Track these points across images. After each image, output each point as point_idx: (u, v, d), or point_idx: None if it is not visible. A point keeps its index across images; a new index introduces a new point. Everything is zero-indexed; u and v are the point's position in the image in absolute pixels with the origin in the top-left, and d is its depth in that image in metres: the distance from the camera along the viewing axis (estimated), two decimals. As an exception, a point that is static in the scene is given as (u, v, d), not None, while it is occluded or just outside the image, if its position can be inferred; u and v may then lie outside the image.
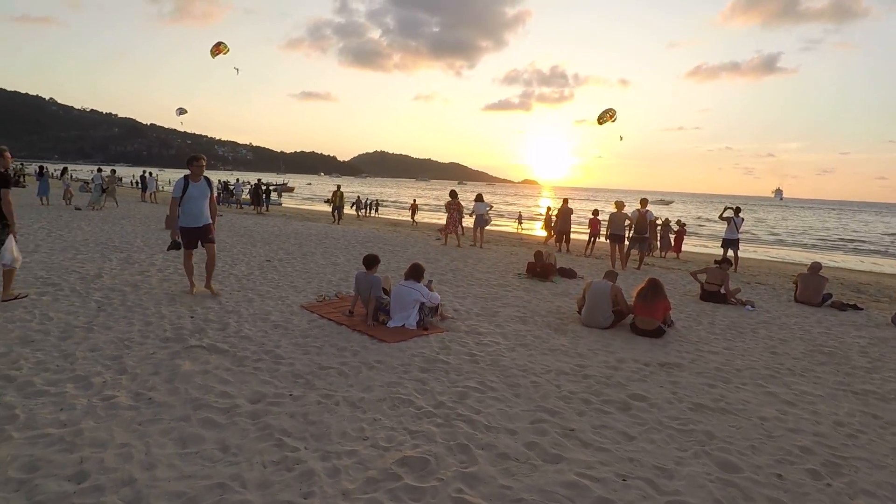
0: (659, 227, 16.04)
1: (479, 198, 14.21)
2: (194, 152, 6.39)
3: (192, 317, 5.43)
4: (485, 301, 7.32)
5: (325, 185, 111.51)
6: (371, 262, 5.81)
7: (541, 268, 9.36)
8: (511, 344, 5.35)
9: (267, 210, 24.87)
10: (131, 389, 3.59)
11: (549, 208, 19.02)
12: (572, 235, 15.46)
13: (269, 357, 4.43)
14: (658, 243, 16.08)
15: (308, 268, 8.96)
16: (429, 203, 51.60)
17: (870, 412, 4.18)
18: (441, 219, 16.70)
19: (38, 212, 15.27)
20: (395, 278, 7.05)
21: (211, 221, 6.34)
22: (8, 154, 5.66)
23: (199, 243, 6.31)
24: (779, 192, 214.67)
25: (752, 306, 8.26)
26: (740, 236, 13.09)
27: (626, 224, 11.63)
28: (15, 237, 5.53)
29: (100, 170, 19.78)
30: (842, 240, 38.62)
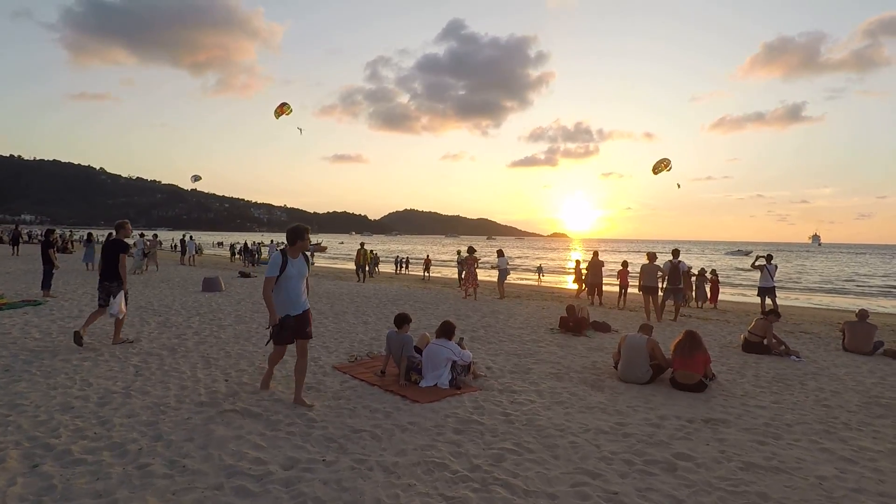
0: (694, 278, 15.72)
1: (500, 253, 15.70)
2: (298, 223, 4.76)
3: (226, 380, 5.50)
4: (518, 358, 7.20)
5: (357, 244, 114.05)
6: (402, 320, 5.85)
7: (574, 322, 9.20)
8: (547, 402, 5.21)
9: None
10: (166, 457, 3.62)
11: (578, 261, 18.89)
12: (604, 288, 15.22)
13: (302, 420, 4.42)
14: (694, 293, 15.72)
15: (340, 327, 9.04)
16: (442, 258, 51.99)
17: (941, 470, 3.86)
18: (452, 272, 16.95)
19: (83, 277, 16.01)
20: (431, 336, 7.04)
21: (309, 307, 4.94)
22: (129, 226, 7.19)
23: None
24: (816, 237, 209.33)
25: (798, 356, 7.86)
26: (776, 284, 12.77)
27: (658, 275, 11.44)
28: (126, 294, 6.90)
29: (142, 234, 20.78)
30: (889, 286, 36.77)
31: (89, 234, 23.10)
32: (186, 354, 6.59)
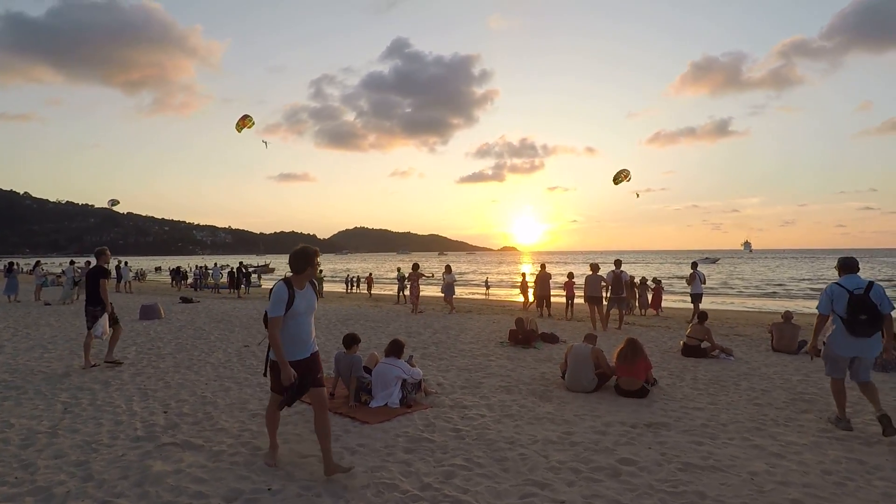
0: (636, 286, 16.45)
1: (447, 269, 16.16)
2: (305, 244, 3.85)
3: (165, 412, 5.23)
4: (469, 372, 7.24)
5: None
6: (351, 341, 5.77)
7: (523, 335, 9.37)
8: (497, 416, 5.27)
9: (247, 293, 24.60)
10: (97, 498, 3.39)
11: (524, 274, 19.29)
12: (552, 300, 15.61)
13: (247, 449, 4.26)
14: (637, 302, 16.42)
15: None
16: (392, 276, 51.94)
17: (855, 458, 4.18)
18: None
19: (4, 309, 14.83)
20: (380, 355, 6.96)
21: (317, 349, 4.01)
22: (107, 252, 7.70)
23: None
24: (747, 244, 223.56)
25: (730, 355, 8.39)
26: (703, 290, 13.80)
27: (602, 285, 11.86)
28: (109, 316, 7.39)
29: (72, 262, 19.51)
30: (812, 288, 39.66)
31: (10, 264, 21.47)
32: (121, 387, 6.22)
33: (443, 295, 15.96)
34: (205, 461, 4.00)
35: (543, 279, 15.23)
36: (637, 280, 16.78)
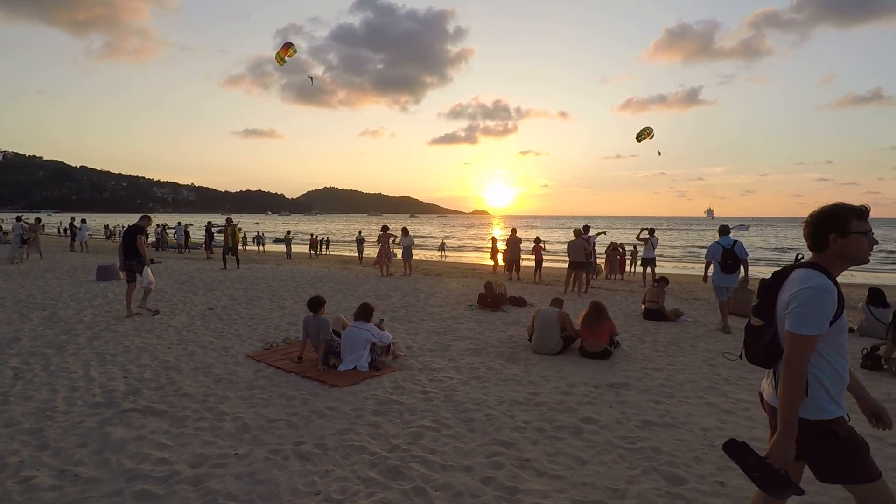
0: (607, 252, 16.98)
1: (405, 231, 15.95)
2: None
3: (125, 377, 5.11)
4: (438, 336, 7.31)
5: (274, 224, 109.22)
6: (317, 303, 5.70)
7: (492, 298, 9.48)
8: (465, 378, 5.36)
9: (213, 253, 24.02)
10: (54, 466, 3.31)
11: (494, 238, 19.40)
12: (521, 263, 15.82)
13: (212, 414, 4.22)
14: (606, 267, 16.92)
15: (254, 314, 8.66)
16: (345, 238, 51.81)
17: (800, 414, 4.45)
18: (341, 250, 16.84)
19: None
20: (347, 318, 6.94)
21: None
22: (150, 218, 9.08)
23: None
24: (710, 211, 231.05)
25: (679, 316, 8.82)
26: (656, 255, 14.25)
27: (585, 250, 12.02)
28: (149, 267, 8.46)
29: (19, 218, 18.31)
30: (769, 258, 41.42)
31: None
32: (77, 352, 6.02)
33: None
34: (168, 427, 3.94)
35: (514, 243, 15.35)
36: (611, 246, 17.29)
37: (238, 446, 3.65)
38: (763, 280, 2.17)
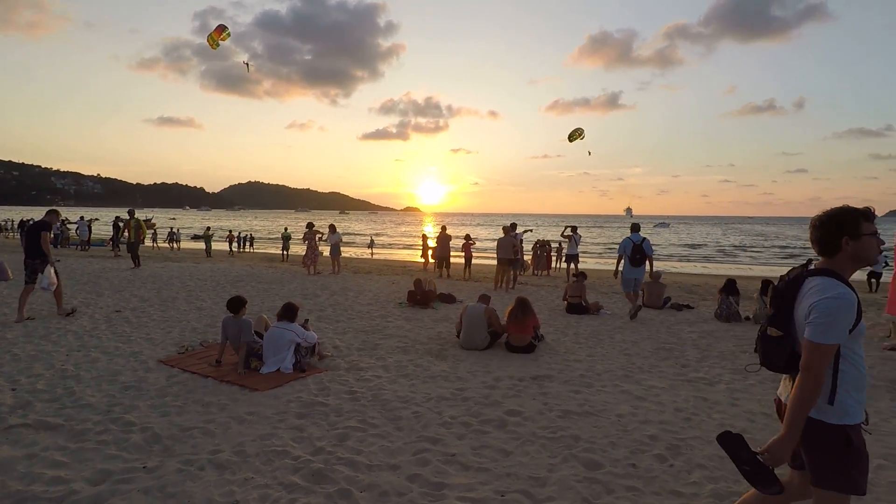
0: (534, 249, 17.56)
1: (332, 228, 15.76)
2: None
3: (13, 389, 4.60)
4: (366, 334, 7.22)
5: (192, 220, 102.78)
6: (236, 304, 5.44)
7: (421, 295, 9.50)
8: (392, 376, 5.33)
9: (119, 251, 22.20)
10: (-74, 491, 2.93)
11: (424, 235, 19.46)
12: (451, 260, 15.98)
13: (117, 426, 3.90)
14: (533, 263, 17.50)
15: (168, 316, 8.11)
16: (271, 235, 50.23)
17: (700, 396, 4.85)
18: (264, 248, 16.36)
19: None
20: (271, 319, 6.67)
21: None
22: (58, 212, 8.28)
23: None
24: (629, 210, 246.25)
25: (605, 310, 9.28)
26: (579, 251, 15.11)
27: (514, 247, 12.33)
28: (53, 266, 7.70)
29: None
30: (684, 247, 44.69)
31: None
32: (-45, 363, 5.35)
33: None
34: (65, 442, 3.60)
35: (444, 240, 15.48)
36: (539, 243, 17.89)
37: (147, 459, 3.40)
38: (777, 288, 2.12)
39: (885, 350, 6.81)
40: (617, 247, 9.86)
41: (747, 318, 8.85)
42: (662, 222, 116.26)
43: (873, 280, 16.53)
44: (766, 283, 8.93)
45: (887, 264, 16.66)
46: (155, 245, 29.42)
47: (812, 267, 2.10)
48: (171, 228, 31.69)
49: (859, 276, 20.42)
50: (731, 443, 2.07)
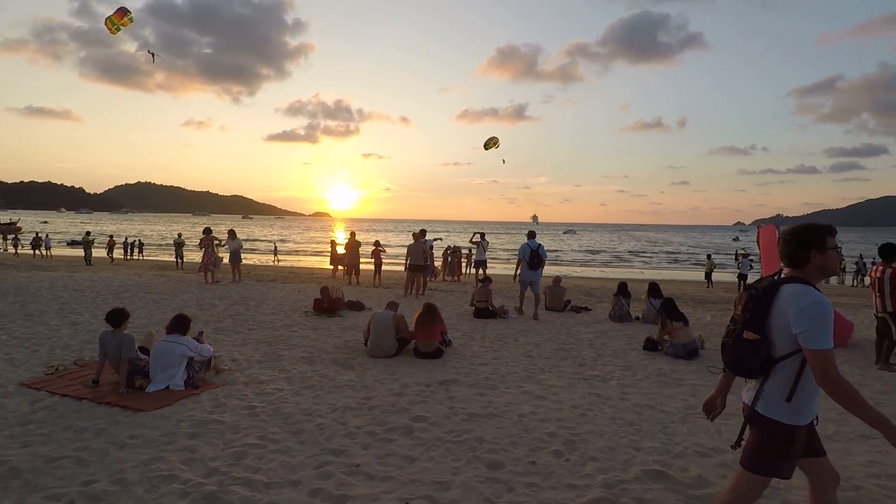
0: (447, 254, 17.89)
1: (231, 234, 14.88)
2: None
3: None
4: (268, 345, 6.89)
5: (69, 224, 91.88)
6: (117, 317, 4.93)
7: (328, 303, 9.26)
8: (296, 388, 5.13)
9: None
10: None
11: (333, 241, 19.01)
12: (361, 267, 15.74)
13: (-35, 461, 3.38)
14: (443, 269, 17.79)
15: (34, 332, 7.18)
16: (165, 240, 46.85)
17: (595, 392, 5.19)
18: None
19: None
20: (161, 334, 6.14)
21: None
22: None
23: None
24: (535, 217, 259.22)
25: (507, 313, 9.64)
26: (487, 257, 15.71)
27: (424, 254, 12.37)
28: None
29: None
30: (585, 252, 47.69)
31: None
32: None
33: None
34: None
35: (353, 247, 15.22)
36: (450, 249, 18.20)
37: (3, 496, 2.98)
38: (752, 294, 2.20)
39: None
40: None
41: (637, 318, 9.62)
42: (570, 229, 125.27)
43: (742, 282, 18.73)
44: (652, 285, 9.77)
45: (752, 267, 18.96)
46: (15, 252, 25.99)
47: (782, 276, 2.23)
48: (37, 233, 27.83)
49: (730, 277, 23.08)
50: None
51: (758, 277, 9.58)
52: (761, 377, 2.16)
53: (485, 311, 9.52)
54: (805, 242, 2.16)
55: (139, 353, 5.06)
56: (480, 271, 14.92)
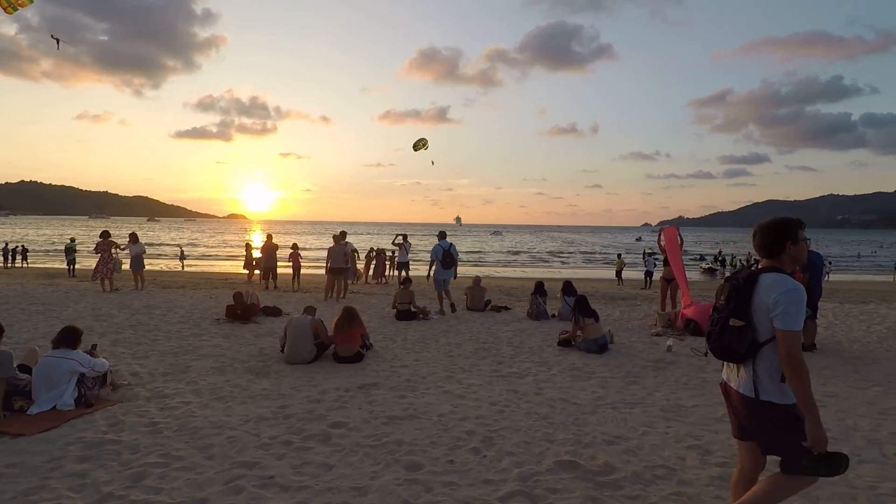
0: (373, 256, 17.69)
1: (133, 238, 13.80)
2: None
3: None
4: (174, 356, 6.44)
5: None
6: (-8, 333, 4.41)
7: (242, 309, 8.82)
8: (205, 400, 4.84)
9: None
10: None
11: (248, 244, 18.15)
12: (278, 271, 15.15)
13: None
14: (366, 272, 17.56)
15: None
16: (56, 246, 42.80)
17: (512, 389, 5.37)
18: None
19: None
20: (46, 348, 5.53)
21: None
22: None
23: None
24: (458, 219, 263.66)
25: (429, 314, 9.72)
26: (410, 259, 15.73)
27: (345, 256, 12.10)
28: None
29: None
30: (507, 253, 49.05)
31: None
32: None
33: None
34: None
35: (269, 250, 14.62)
36: (375, 251, 17.99)
37: None
38: (735, 284, 2.39)
39: (653, 336, 8.34)
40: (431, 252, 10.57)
41: (553, 316, 10.05)
42: (497, 231, 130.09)
43: (648, 278, 20.15)
44: (566, 284, 10.25)
45: (656, 265, 20.49)
46: None
47: (758, 267, 2.46)
48: None
49: (638, 275, 24.79)
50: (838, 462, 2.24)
51: (661, 274, 10.36)
52: (749, 362, 2.35)
53: (406, 313, 9.52)
54: (781, 235, 2.39)
55: (17, 371, 4.53)
56: (403, 273, 14.90)
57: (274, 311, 9.59)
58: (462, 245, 68.52)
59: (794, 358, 2.20)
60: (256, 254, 16.44)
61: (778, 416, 2.32)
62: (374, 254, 17.96)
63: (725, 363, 2.54)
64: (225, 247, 56.48)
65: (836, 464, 2.25)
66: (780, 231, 2.40)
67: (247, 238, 43.99)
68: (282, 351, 6.47)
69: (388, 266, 18.26)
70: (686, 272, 10.13)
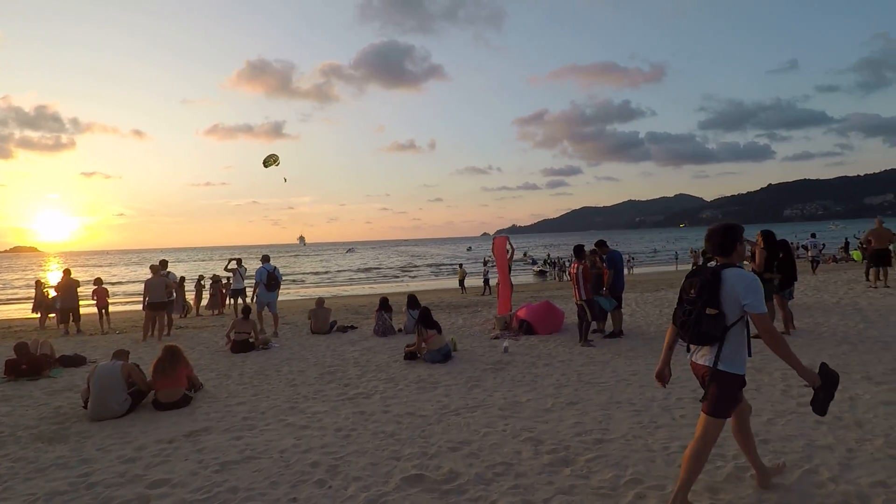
0: (209, 285, 15.98)
1: None
2: None
3: None
4: (-76, 435, 5.01)
5: None
6: None
7: (28, 363, 7.25)
8: (-30, 486, 3.84)
9: None
10: None
11: (39, 282, 15.07)
12: (81, 311, 12.82)
13: None
14: (196, 304, 15.85)
15: None
16: None
17: (359, 411, 5.26)
18: None
19: None
20: None
21: None
22: None
23: None
24: (302, 238, 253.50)
25: (274, 343, 9.17)
26: (246, 285, 14.31)
27: (167, 288, 10.67)
28: None
29: None
30: (357, 271, 48.26)
31: None
32: None
33: None
34: None
35: (68, 287, 12.29)
36: (212, 279, 16.21)
37: None
38: (704, 279, 2.81)
39: (492, 339, 8.90)
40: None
41: (399, 330, 10.16)
42: (351, 248, 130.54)
43: (486, 285, 21.63)
44: (410, 297, 10.45)
45: (489, 272, 22.07)
46: None
47: (714, 264, 2.96)
48: None
49: (478, 282, 26.35)
50: (831, 381, 2.78)
51: (495, 280, 11.14)
52: (717, 342, 2.79)
53: (244, 344, 8.78)
54: (731, 237, 2.90)
55: None
56: (240, 301, 13.75)
57: (75, 361, 8.06)
58: (307, 266, 66.06)
59: (769, 331, 2.72)
60: (52, 293, 13.74)
61: (729, 382, 2.82)
62: (210, 282, 16.28)
63: (690, 346, 2.98)
64: (5, 288, 46.36)
65: (832, 382, 2.80)
66: (730, 235, 2.92)
67: (38, 275, 36.58)
68: (84, 407, 5.46)
69: (225, 294, 16.63)
70: (512, 278, 11.00)
